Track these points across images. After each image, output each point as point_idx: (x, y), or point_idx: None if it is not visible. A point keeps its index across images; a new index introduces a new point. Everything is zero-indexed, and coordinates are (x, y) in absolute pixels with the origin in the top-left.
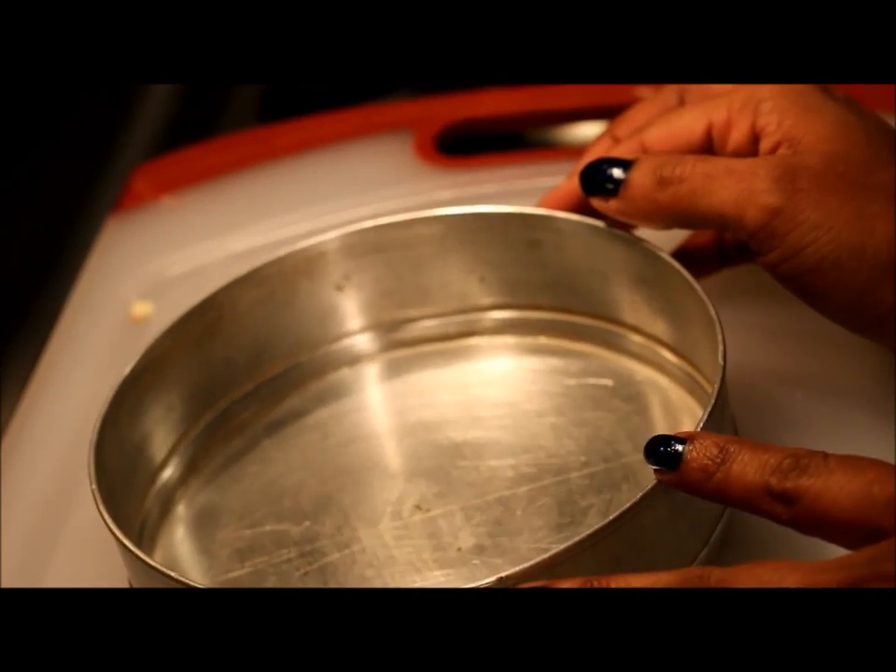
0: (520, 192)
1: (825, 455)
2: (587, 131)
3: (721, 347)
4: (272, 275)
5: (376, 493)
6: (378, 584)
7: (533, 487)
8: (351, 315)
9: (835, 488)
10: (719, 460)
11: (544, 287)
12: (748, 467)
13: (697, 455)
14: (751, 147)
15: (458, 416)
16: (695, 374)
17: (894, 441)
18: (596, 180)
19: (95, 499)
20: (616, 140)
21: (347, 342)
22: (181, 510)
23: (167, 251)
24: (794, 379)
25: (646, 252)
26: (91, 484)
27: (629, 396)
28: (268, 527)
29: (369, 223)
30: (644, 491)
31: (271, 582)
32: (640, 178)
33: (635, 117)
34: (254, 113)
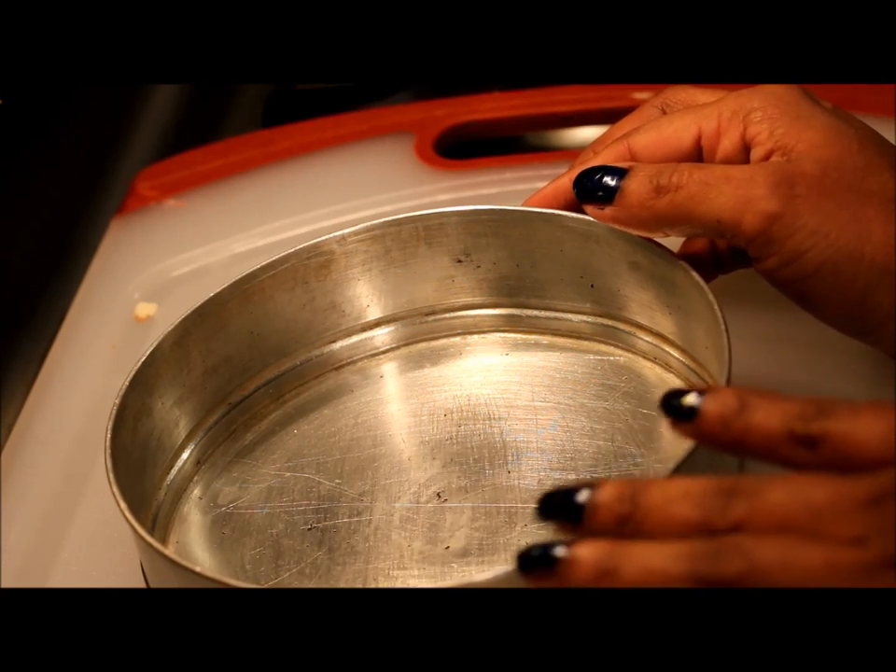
0: (518, 194)
1: (848, 400)
2: (584, 134)
3: (726, 348)
4: (298, 266)
5: (412, 471)
6: (360, 565)
7: None
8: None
9: (862, 428)
10: (737, 411)
11: (553, 285)
12: (770, 415)
13: (715, 406)
14: (741, 157)
15: (513, 414)
16: (701, 372)
17: None
18: (591, 188)
19: (110, 483)
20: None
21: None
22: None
23: (171, 253)
24: (794, 382)
25: (655, 251)
26: (107, 473)
27: (638, 394)
28: (305, 474)
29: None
30: None
31: (278, 528)
32: (636, 186)
33: (616, 134)
34: (257, 116)
